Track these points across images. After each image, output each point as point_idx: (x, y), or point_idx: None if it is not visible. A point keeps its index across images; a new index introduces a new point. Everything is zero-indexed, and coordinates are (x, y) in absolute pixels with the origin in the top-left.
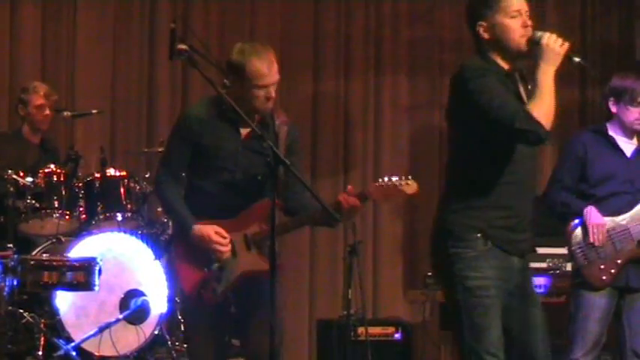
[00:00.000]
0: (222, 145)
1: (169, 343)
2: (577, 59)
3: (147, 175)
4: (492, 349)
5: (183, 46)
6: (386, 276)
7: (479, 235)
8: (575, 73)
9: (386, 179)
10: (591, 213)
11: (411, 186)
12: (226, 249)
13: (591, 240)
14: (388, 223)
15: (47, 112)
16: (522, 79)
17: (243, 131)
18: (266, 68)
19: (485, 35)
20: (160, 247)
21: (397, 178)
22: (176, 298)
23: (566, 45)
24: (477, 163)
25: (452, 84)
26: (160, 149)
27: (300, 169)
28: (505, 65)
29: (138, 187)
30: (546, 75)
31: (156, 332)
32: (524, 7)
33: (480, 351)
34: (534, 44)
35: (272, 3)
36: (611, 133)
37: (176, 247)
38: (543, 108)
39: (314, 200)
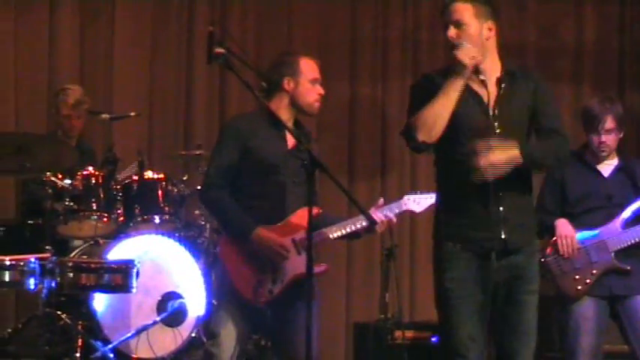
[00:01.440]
0: (271, 149)
1: (206, 345)
2: (482, 77)
3: (184, 178)
4: (461, 348)
5: (220, 50)
6: (422, 279)
7: (446, 239)
8: None
9: (419, 192)
10: (560, 225)
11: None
12: (286, 252)
13: (560, 252)
14: (425, 226)
15: (74, 122)
16: (513, 80)
17: (290, 140)
18: (315, 63)
19: (492, 35)
20: (198, 249)
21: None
22: (213, 301)
23: (473, 59)
24: (437, 170)
25: None
26: (197, 152)
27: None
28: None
29: (175, 190)
30: (447, 85)
31: (193, 335)
32: (450, 19)
33: (449, 350)
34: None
35: (309, 8)
36: (587, 156)
37: (227, 251)
38: (424, 117)
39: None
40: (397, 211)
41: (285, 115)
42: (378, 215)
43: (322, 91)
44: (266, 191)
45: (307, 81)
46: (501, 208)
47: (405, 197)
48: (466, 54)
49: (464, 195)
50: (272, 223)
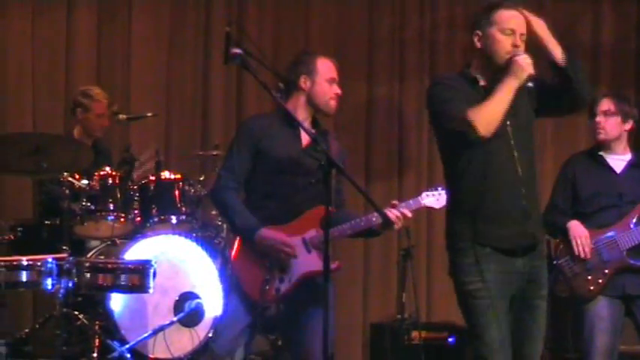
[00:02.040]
0: (284, 149)
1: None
2: (530, 84)
3: (201, 178)
4: (491, 350)
5: (237, 50)
6: (439, 280)
7: (473, 242)
8: None
9: (439, 188)
10: (573, 227)
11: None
12: (293, 251)
13: (576, 252)
14: (442, 227)
15: (106, 122)
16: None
17: (304, 139)
18: (332, 63)
19: (478, 44)
20: (215, 249)
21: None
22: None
23: (532, 70)
24: (454, 174)
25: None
26: (214, 152)
27: (340, 184)
28: (483, 76)
29: (192, 190)
30: (505, 85)
31: (210, 335)
32: (520, 30)
33: (480, 351)
34: (509, 61)
35: (326, 8)
36: (601, 152)
37: (237, 250)
38: (486, 112)
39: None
40: (414, 206)
41: (302, 114)
42: (393, 213)
43: (339, 91)
44: (276, 191)
45: (324, 80)
46: (525, 202)
47: (424, 194)
48: (528, 62)
49: (490, 193)
50: (282, 223)
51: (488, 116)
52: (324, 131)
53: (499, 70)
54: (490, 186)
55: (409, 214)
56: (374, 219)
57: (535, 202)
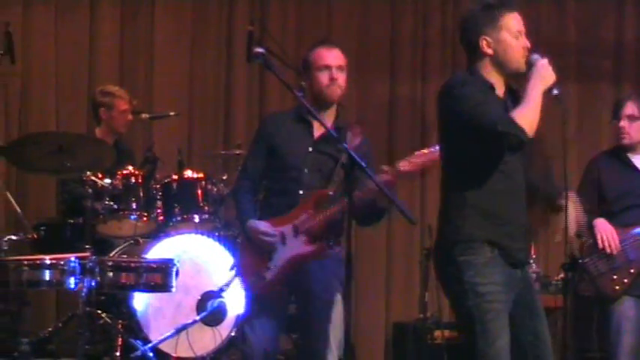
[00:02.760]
0: (293, 145)
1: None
2: (556, 92)
3: (224, 177)
4: (503, 354)
5: (260, 49)
6: None
7: (485, 242)
8: None
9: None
10: (599, 224)
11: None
12: (272, 239)
13: (601, 247)
14: None
15: (129, 117)
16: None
17: (317, 132)
18: (326, 50)
19: (489, 50)
20: (237, 248)
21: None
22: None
23: (554, 76)
24: (470, 175)
25: (438, 100)
26: (237, 151)
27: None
28: (498, 81)
29: (215, 189)
30: (535, 89)
31: (232, 334)
32: (523, 30)
33: (493, 356)
34: (530, 66)
35: (349, 6)
36: (623, 153)
37: (240, 246)
38: (527, 116)
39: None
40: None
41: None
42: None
43: (334, 76)
44: (284, 188)
45: (316, 70)
46: (524, 213)
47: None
48: (549, 67)
49: (503, 203)
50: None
51: (532, 120)
52: (342, 126)
53: (513, 75)
54: (504, 190)
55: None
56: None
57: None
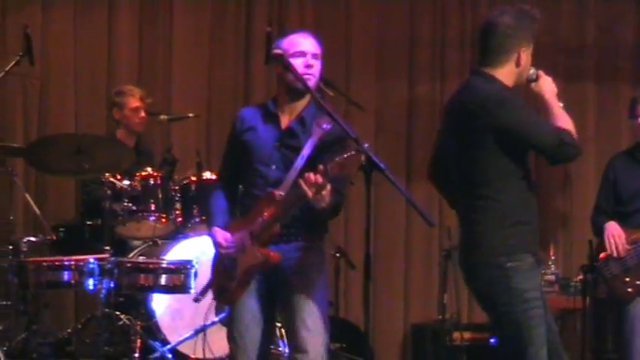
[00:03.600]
0: (260, 140)
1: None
2: (532, 70)
3: None
4: (546, 357)
5: (279, 51)
6: None
7: (526, 249)
8: None
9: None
10: (608, 226)
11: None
12: (228, 250)
13: (609, 251)
14: None
15: (142, 114)
16: None
17: (284, 121)
18: (300, 37)
19: (522, 62)
20: None
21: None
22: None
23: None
24: (507, 184)
25: (481, 110)
26: None
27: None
28: None
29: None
30: (556, 105)
31: None
32: None
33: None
34: (531, 81)
35: (367, 8)
36: (637, 153)
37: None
38: (572, 127)
39: None
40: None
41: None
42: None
43: (309, 63)
44: (253, 186)
45: (290, 56)
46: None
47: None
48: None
49: (532, 209)
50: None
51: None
52: (305, 117)
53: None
54: (531, 197)
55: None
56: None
57: None
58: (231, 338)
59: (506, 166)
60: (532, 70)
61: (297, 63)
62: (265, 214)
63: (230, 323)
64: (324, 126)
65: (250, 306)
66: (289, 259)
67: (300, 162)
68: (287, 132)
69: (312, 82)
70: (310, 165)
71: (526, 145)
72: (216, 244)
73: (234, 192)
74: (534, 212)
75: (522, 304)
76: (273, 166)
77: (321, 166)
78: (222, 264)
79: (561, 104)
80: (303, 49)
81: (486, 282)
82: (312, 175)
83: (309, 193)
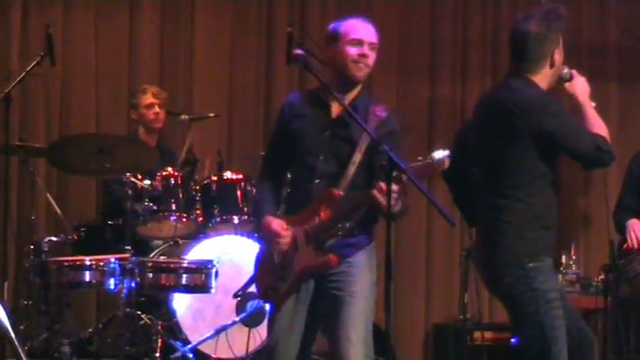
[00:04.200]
0: (309, 128)
1: None
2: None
3: None
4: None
5: (299, 51)
6: None
7: (548, 253)
8: None
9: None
10: (631, 224)
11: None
12: (283, 242)
13: (630, 245)
14: None
15: (157, 109)
16: None
17: (335, 110)
18: (360, 24)
19: (556, 62)
20: None
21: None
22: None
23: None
24: (535, 187)
25: (523, 114)
26: None
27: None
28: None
29: (254, 191)
30: (590, 109)
31: None
32: None
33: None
34: (565, 80)
35: (389, 8)
36: None
37: (260, 248)
38: (606, 134)
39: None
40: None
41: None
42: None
43: (366, 52)
44: (300, 178)
45: (346, 43)
46: None
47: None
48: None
49: (554, 213)
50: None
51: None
52: (359, 105)
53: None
54: (554, 201)
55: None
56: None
57: None
58: (270, 342)
59: (539, 169)
60: (566, 70)
61: (353, 49)
62: (322, 214)
63: (272, 325)
64: (381, 114)
65: (294, 311)
66: (345, 263)
67: (358, 156)
68: (338, 121)
69: (363, 72)
70: (365, 159)
71: (564, 151)
72: (272, 234)
73: (279, 182)
74: (556, 217)
75: (545, 305)
76: (322, 157)
77: (395, 174)
78: (270, 261)
79: (593, 104)
80: (361, 37)
81: (509, 282)
82: (384, 185)
83: (384, 202)
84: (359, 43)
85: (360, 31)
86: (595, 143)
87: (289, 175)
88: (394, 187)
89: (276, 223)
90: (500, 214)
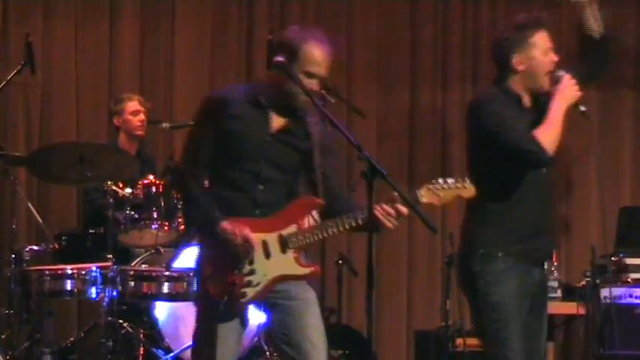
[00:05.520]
0: (248, 132)
1: (267, 353)
2: (583, 108)
3: None
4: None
5: (280, 58)
6: None
7: (499, 253)
8: None
9: (441, 181)
10: None
11: (468, 190)
12: (252, 246)
13: None
14: None
15: (142, 117)
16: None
17: (277, 122)
18: (321, 55)
19: (520, 67)
20: None
21: (453, 181)
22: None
23: (579, 93)
24: (493, 186)
25: (468, 115)
26: None
27: (335, 171)
28: (526, 94)
29: (179, 195)
30: (559, 107)
31: (254, 342)
32: (551, 46)
33: None
34: (556, 81)
35: (369, 15)
36: None
37: (202, 248)
38: (548, 135)
39: (344, 202)
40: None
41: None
42: (384, 208)
43: (318, 88)
44: (239, 181)
45: (304, 70)
46: (543, 217)
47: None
48: (574, 83)
49: (523, 210)
50: (254, 216)
51: (553, 139)
52: (301, 114)
53: (539, 89)
54: (524, 198)
55: (405, 211)
56: (359, 218)
57: (553, 213)
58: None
59: (493, 169)
60: (561, 73)
61: (311, 83)
62: (300, 222)
63: (214, 330)
64: (319, 126)
65: (240, 331)
66: None
67: (318, 160)
68: (286, 129)
69: (310, 103)
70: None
71: (498, 147)
72: (241, 238)
73: (203, 184)
74: (526, 213)
75: (486, 307)
76: (263, 162)
77: (396, 195)
78: (232, 265)
79: (583, 108)
80: (322, 73)
81: (461, 285)
82: (389, 208)
83: (390, 225)
84: (316, 77)
85: (320, 64)
86: (521, 141)
87: (218, 176)
88: (401, 208)
89: (242, 227)
90: (464, 217)
